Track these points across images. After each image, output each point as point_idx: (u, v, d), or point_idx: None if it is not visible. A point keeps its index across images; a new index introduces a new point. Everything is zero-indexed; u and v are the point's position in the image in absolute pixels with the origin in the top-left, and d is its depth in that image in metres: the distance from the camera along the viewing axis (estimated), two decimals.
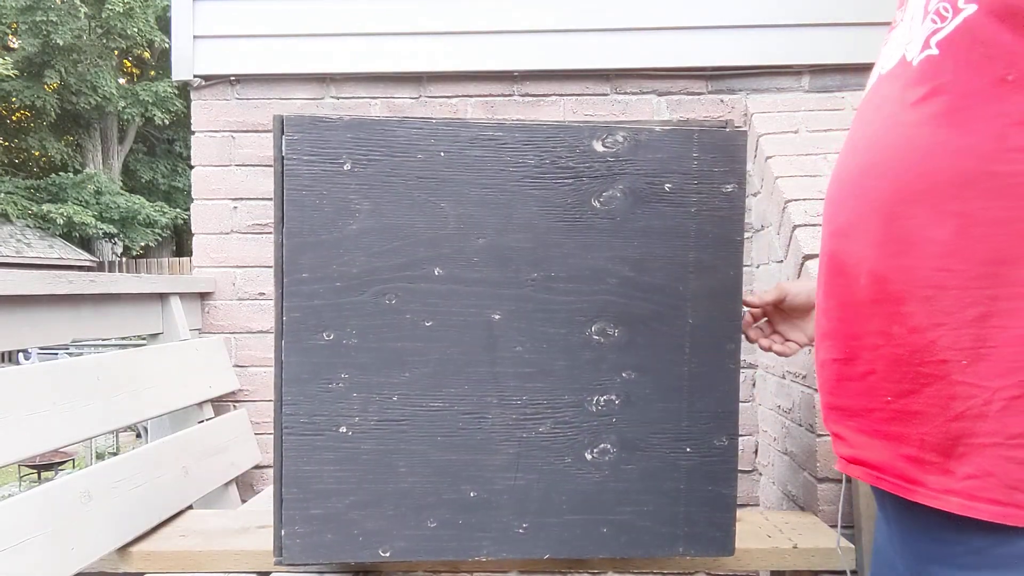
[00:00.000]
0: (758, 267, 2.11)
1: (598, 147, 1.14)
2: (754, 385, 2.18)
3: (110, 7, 14.23)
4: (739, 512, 1.54)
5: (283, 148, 1.12)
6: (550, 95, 2.25)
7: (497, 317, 1.15)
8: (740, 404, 2.23)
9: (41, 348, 6.38)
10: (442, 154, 1.13)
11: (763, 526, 1.43)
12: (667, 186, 1.14)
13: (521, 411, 1.16)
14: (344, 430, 1.14)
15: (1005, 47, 0.68)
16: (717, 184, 1.14)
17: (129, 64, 17.76)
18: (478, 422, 1.16)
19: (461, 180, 1.13)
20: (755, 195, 2.12)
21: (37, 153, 16.35)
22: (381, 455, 1.15)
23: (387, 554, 1.15)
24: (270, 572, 1.28)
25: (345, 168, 1.12)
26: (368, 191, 1.13)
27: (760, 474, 2.15)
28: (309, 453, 1.14)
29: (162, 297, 2.02)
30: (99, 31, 14.80)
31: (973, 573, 0.71)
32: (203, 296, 2.26)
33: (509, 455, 1.16)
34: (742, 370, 2.17)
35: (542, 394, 1.16)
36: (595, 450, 1.16)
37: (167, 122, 15.79)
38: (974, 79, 0.71)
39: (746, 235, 2.18)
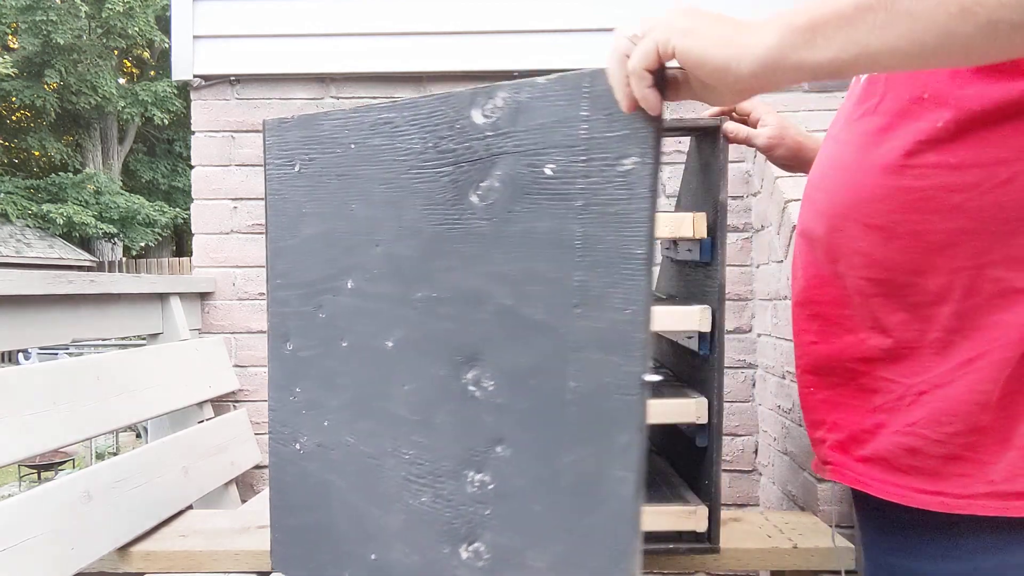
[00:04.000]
0: (758, 267, 2.11)
1: (478, 118, 0.85)
2: (754, 385, 2.18)
3: (110, 7, 14.22)
4: (739, 512, 1.54)
5: (265, 151, 1.11)
6: None
7: (390, 344, 0.95)
8: (740, 405, 2.24)
9: (41, 348, 6.37)
10: (352, 147, 0.97)
11: (763, 526, 1.43)
12: (548, 168, 0.78)
13: (408, 469, 0.93)
14: (298, 447, 1.08)
15: (957, 80, 0.71)
16: (611, 160, 0.73)
17: (129, 64, 17.76)
18: (379, 470, 0.96)
19: (366, 175, 0.96)
20: (755, 195, 2.12)
21: (37, 153, 16.35)
22: (319, 481, 1.04)
23: None
24: (270, 572, 1.28)
25: (296, 170, 1.05)
26: (311, 193, 1.03)
27: (760, 474, 2.15)
28: (284, 462, 1.11)
29: (162, 297, 2.01)
30: (99, 31, 14.80)
31: (917, 562, 0.75)
32: (203, 296, 2.26)
33: (401, 520, 0.94)
34: (741, 371, 2.17)
35: (425, 453, 0.91)
36: (470, 547, 0.87)
37: (167, 122, 15.78)
38: (900, 98, 0.75)
39: (746, 235, 2.18)
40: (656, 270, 1.88)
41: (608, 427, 0.75)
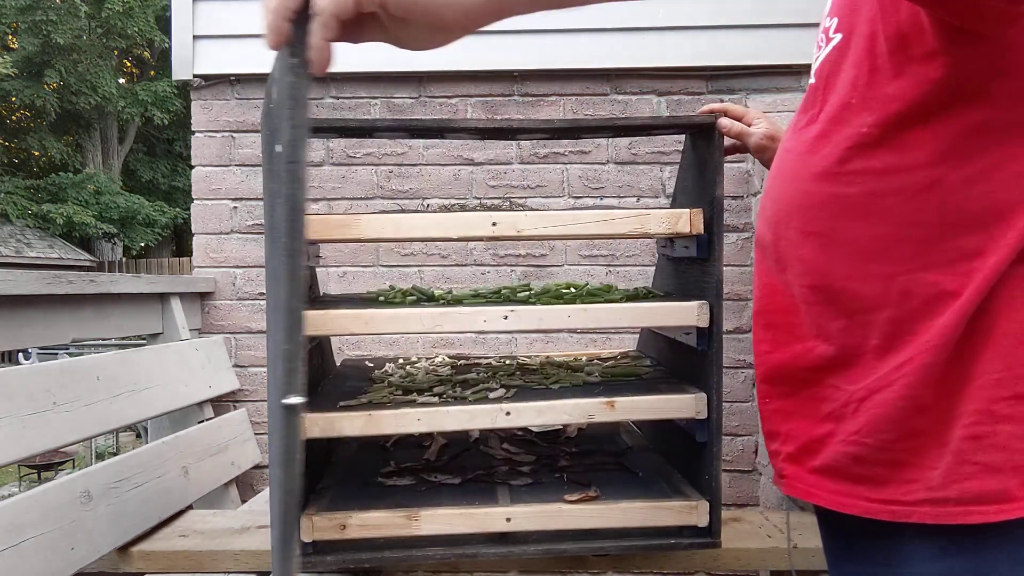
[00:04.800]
0: None
1: (275, 95, 0.73)
2: (754, 385, 2.18)
3: (110, 7, 14.22)
4: (739, 512, 1.54)
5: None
6: (550, 95, 2.25)
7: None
8: (740, 405, 2.24)
9: (41, 348, 6.37)
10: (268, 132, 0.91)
11: (763, 526, 1.43)
12: (278, 146, 0.65)
13: None
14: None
15: (857, 69, 0.72)
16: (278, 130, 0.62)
17: (129, 64, 17.76)
18: None
19: (266, 167, 0.91)
20: (755, 195, 2.13)
21: (37, 153, 16.35)
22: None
23: None
24: (270, 572, 1.28)
25: (266, 166, 1.01)
26: (266, 186, 0.99)
27: (760, 474, 2.15)
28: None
29: (162, 297, 2.02)
30: (99, 31, 14.80)
31: (860, 567, 0.76)
32: (203, 296, 2.26)
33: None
34: (741, 370, 2.17)
35: None
36: None
37: (167, 122, 15.78)
38: (834, 105, 0.75)
39: (746, 235, 2.18)
40: (646, 269, 1.89)
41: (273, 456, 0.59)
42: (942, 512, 0.68)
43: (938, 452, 0.69)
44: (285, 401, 0.54)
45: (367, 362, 1.66)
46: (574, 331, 2.19)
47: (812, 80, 0.80)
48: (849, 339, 0.74)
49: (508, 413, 1.16)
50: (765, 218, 0.84)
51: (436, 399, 1.20)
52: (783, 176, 0.81)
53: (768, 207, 0.83)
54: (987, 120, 0.66)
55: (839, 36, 0.75)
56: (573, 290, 1.32)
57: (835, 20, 0.77)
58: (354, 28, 0.58)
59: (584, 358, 1.60)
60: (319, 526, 1.14)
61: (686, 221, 1.16)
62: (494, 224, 1.15)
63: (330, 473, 1.36)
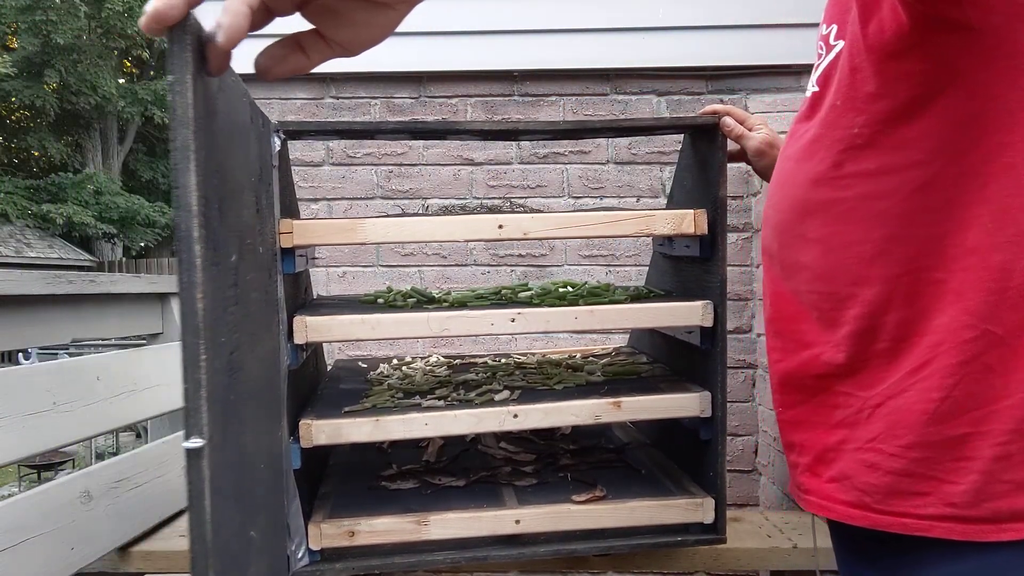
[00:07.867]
0: (758, 267, 2.11)
1: None
2: (754, 385, 2.18)
3: (110, 7, 14.22)
4: (739, 512, 1.54)
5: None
6: (550, 95, 2.25)
7: None
8: (740, 404, 2.24)
9: (41, 348, 6.37)
10: None
11: (763, 526, 1.43)
12: None
13: None
14: None
15: (857, 76, 0.71)
16: None
17: (129, 64, 17.75)
18: None
19: None
20: (755, 195, 2.12)
21: (37, 153, 16.34)
22: None
23: None
24: None
25: None
26: None
27: (760, 474, 2.15)
28: None
29: (162, 297, 2.01)
30: (99, 31, 14.80)
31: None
32: None
33: None
34: (741, 370, 2.17)
35: None
36: None
37: (167, 121, 15.78)
38: (826, 107, 0.75)
39: (746, 235, 2.18)
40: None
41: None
42: (972, 530, 0.66)
43: (953, 465, 0.68)
44: (186, 445, 0.52)
45: (360, 363, 1.66)
46: (579, 332, 2.19)
47: (815, 88, 0.79)
48: (858, 344, 0.73)
49: (516, 416, 1.15)
50: (770, 226, 0.83)
51: (441, 402, 1.20)
52: (783, 183, 0.81)
53: (771, 215, 0.83)
54: (978, 111, 0.65)
55: (841, 43, 0.75)
56: (571, 288, 1.32)
57: (834, 27, 0.76)
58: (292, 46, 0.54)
59: (579, 355, 1.59)
60: (327, 533, 1.13)
61: (690, 222, 1.16)
62: (500, 227, 1.14)
63: (330, 477, 1.36)
